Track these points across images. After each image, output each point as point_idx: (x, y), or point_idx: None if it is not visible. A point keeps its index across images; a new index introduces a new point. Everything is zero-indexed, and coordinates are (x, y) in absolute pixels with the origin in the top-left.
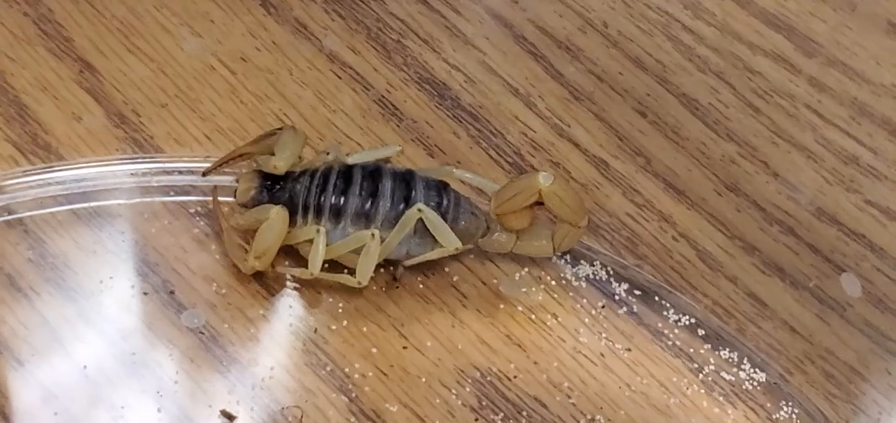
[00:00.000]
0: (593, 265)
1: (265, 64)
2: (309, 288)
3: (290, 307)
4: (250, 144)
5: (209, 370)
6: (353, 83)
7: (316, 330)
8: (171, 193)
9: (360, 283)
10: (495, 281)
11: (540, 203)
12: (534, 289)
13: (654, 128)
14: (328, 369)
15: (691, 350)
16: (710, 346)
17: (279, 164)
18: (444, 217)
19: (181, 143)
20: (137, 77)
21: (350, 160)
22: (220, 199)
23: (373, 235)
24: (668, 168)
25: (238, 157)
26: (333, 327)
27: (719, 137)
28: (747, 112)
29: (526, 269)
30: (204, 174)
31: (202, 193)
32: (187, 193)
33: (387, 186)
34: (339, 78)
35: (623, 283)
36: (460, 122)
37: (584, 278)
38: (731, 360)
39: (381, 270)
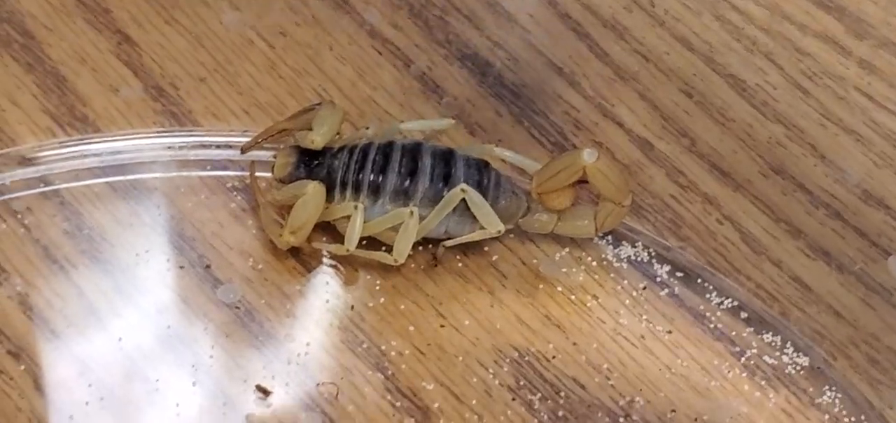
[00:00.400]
0: (635, 247)
1: (305, 39)
2: (346, 265)
3: (326, 284)
4: (288, 119)
5: (244, 345)
6: (394, 60)
7: (352, 307)
8: (209, 168)
9: (396, 260)
10: (535, 261)
11: (583, 182)
12: (574, 269)
13: (700, 109)
14: (364, 346)
15: (733, 333)
16: (752, 329)
17: (317, 139)
18: (484, 197)
19: (219, 117)
20: (176, 50)
21: (403, 127)
22: (257, 174)
23: (411, 212)
24: (714, 150)
25: (276, 132)
26: (370, 305)
27: (766, 119)
28: (795, 94)
29: (567, 249)
30: (242, 150)
31: (239, 167)
32: (225, 168)
33: (426, 163)
34: (380, 54)
35: (665, 264)
36: (502, 100)
37: (625, 260)
38: (773, 344)
39: (420, 248)
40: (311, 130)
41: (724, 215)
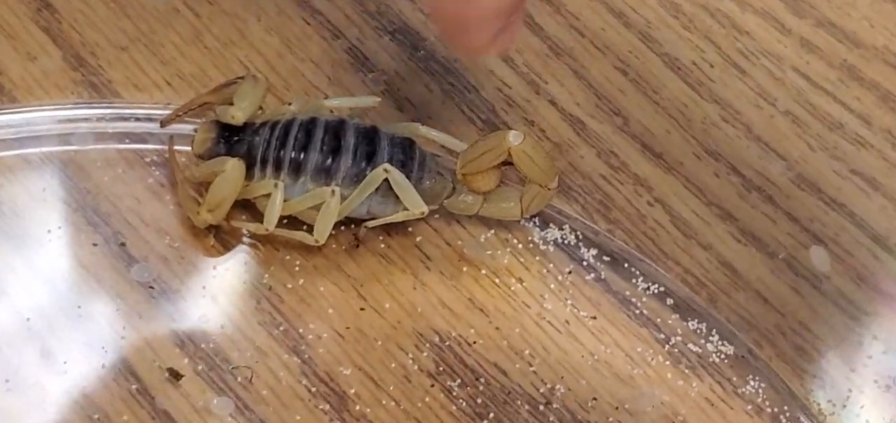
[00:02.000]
0: (562, 229)
1: (232, 8)
2: (265, 244)
3: (244, 264)
4: (210, 92)
5: (158, 326)
6: (323, 31)
7: (270, 288)
8: (127, 141)
9: (317, 241)
10: (460, 243)
11: (509, 163)
12: (499, 252)
13: (635, 87)
14: (281, 328)
15: (659, 320)
16: (678, 316)
17: (237, 114)
18: (408, 177)
19: (140, 88)
20: (97, 17)
21: (328, 103)
22: (176, 149)
23: (333, 191)
24: (647, 129)
25: (198, 106)
26: (289, 286)
27: (701, 98)
28: (732, 73)
29: (492, 231)
30: (162, 124)
31: (159, 141)
32: (144, 141)
33: (350, 142)
34: (309, 25)
35: (592, 248)
36: (433, 75)
37: (552, 243)
38: (699, 331)
39: (342, 228)
40: (232, 104)
41: (655, 197)
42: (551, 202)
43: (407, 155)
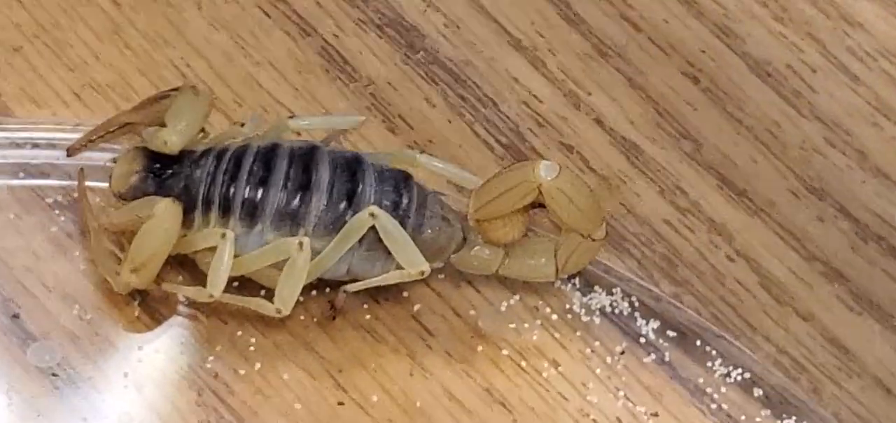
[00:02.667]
0: (612, 294)
1: None
2: (209, 316)
3: (180, 342)
4: (134, 110)
5: None
6: (287, 23)
7: (216, 375)
8: (22, 175)
9: (279, 311)
10: (473, 313)
11: (539, 205)
12: (527, 325)
13: (709, 99)
14: None
15: (743, 418)
16: (769, 412)
17: (171, 139)
18: (403, 224)
19: (39, 103)
20: None
21: (293, 124)
22: (88, 184)
23: (300, 244)
24: (726, 157)
25: (117, 128)
26: (242, 372)
27: (800, 115)
28: (841, 80)
29: (517, 297)
30: (69, 152)
31: (66, 175)
32: (45, 176)
33: (323, 176)
34: (268, 16)
35: (653, 320)
36: (436, 83)
37: (598, 311)
38: None
39: (313, 293)
40: (164, 125)
41: (737, 249)
42: (597, 258)
43: (400, 194)
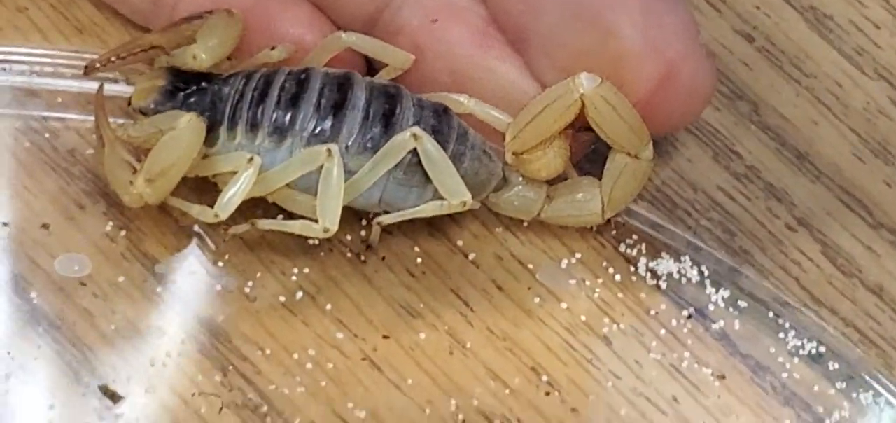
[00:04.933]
0: (681, 261)
1: None
2: (230, 246)
3: (191, 273)
4: (162, 31)
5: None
6: None
7: (229, 342)
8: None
9: (326, 229)
10: (531, 267)
11: (582, 127)
12: (587, 284)
13: (765, 58)
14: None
15: (816, 390)
16: (844, 385)
17: (201, 55)
18: (443, 150)
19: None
20: None
21: (345, 37)
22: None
23: (329, 151)
24: (785, 119)
25: (142, 50)
26: (250, 314)
27: (864, 74)
28: None
29: (577, 254)
30: (86, 70)
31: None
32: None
33: (359, 96)
34: None
35: (724, 288)
36: None
37: (664, 277)
38: (871, 407)
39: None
40: (194, 43)
41: (798, 217)
42: (662, 224)
43: (441, 122)
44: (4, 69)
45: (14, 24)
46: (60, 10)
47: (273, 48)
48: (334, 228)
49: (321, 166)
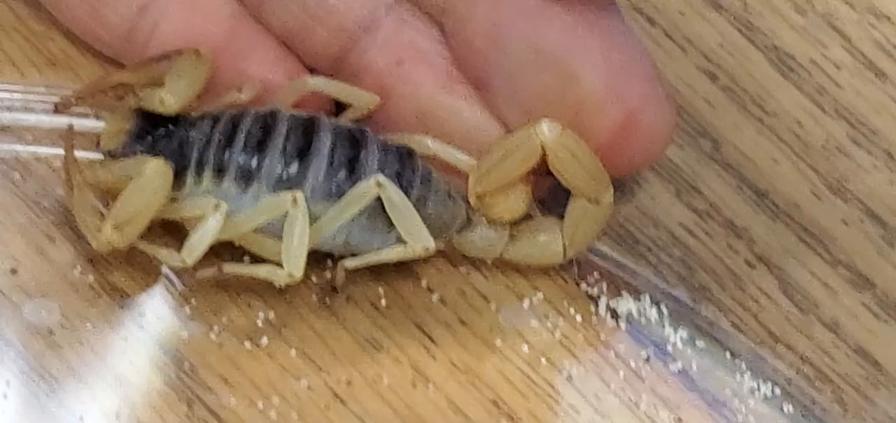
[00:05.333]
0: (640, 300)
1: None
2: (199, 292)
3: (157, 318)
4: (131, 70)
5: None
6: None
7: (186, 364)
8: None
9: (291, 275)
10: (493, 305)
11: (543, 172)
12: (549, 324)
13: (728, 96)
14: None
15: None
16: None
17: (169, 98)
18: (406, 195)
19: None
20: None
21: (310, 82)
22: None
23: (295, 199)
24: (746, 157)
25: (110, 86)
26: (212, 356)
27: (824, 113)
28: (867, 76)
29: (540, 293)
30: (57, 108)
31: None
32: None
33: (324, 142)
34: None
35: (683, 328)
36: None
37: (624, 316)
38: None
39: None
40: (162, 86)
41: (758, 254)
42: (623, 261)
43: (404, 165)
44: None
45: None
46: (33, 43)
47: (240, 89)
48: (299, 274)
49: (286, 212)
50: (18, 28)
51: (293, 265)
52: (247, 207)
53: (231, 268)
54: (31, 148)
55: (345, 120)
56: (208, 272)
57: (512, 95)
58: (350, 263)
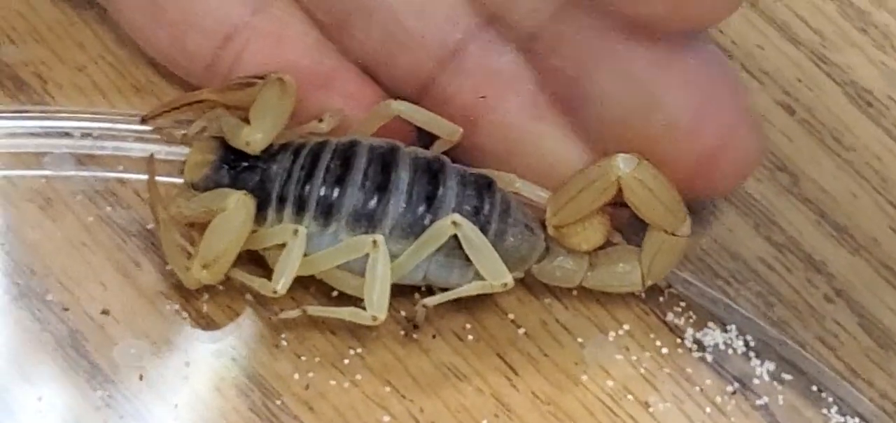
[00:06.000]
0: (727, 331)
1: None
2: (299, 326)
3: (236, 354)
4: (219, 91)
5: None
6: None
7: (280, 401)
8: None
9: (375, 317)
10: (580, 341)
11: (619, 204)
12: (633, 357)
13: (805, 130)
14: None
15: None
16: None
17: (255, 138)
18: (484, 230)
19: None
20: (45, 22)
21: (395, 106)
22: (156, 175)
23: (375, 242)
24: (824, 192)
25: (198, 101)
26: (302, 393)
27: None
28: None
29: (626, 325)
30: (144, 120)
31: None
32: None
33: (403, 176)
34: None
35: (769, 360)
36: None
37: (711, 349)
38: None
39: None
40: (247, 121)
41: (837, 288)
42: (711, 292)
43: (482, 199)
44: (68, 134)
45: (75, 82)
46: (119, 70)
47: (321, 119)
48: (383, 316)
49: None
50: (105, 56)
51: (377, 308)
52: (327, 244)
53: (315, 310)
54: (118, 174)
55: (425, 149)
56: (292, 314)
57: (599, 122)
58: (430, 300)
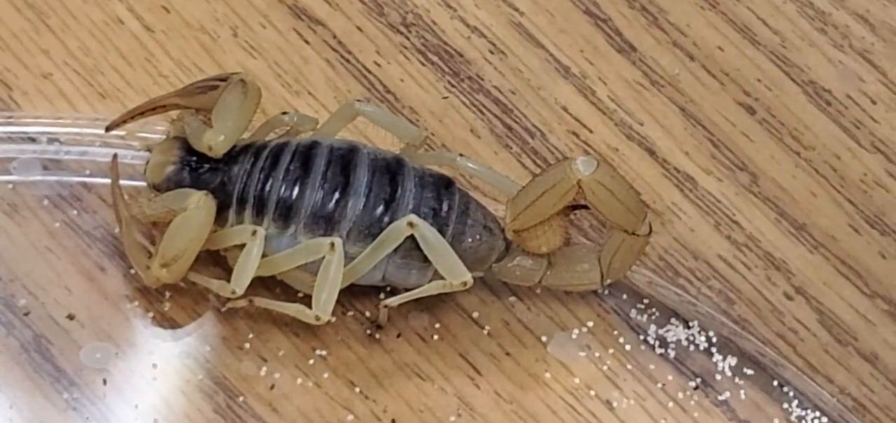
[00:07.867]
0: (689, 328)
1: (197, 17)
2: (244, 320)
3: (207, 349)
4: (180, 93)
5: None
6: (326, 50)
7: (241, 398)
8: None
9: (318, 317)
10: (542, 340)
11: (579, 206)
12: (596, 355)
13: (766, 129)
14: None
15: None
16: None
17: (217, 141)
18: (442, 231)
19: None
20: (10, 30)
21: (359, 107)
22: (119, 175)
23: (332, 244)
24: (784, 190)
25: (161, 107)
26: (264, 391)
27: (860, 147)
28: None
29: (589, 323)
30: (108, 127)
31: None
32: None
33: (361, 177)
34: (307, 43)
35: (731, 355)
36: (481, 112)
37: (673, 345)
38: None
39: (350, 313)
40: (208, 122)
41: (796, 285)
42: (670, 288)
43: (441, 200)
44: (34, 139)
45: (40, 89)
46: (84, 76)
47: (284, 113)
48: (326, 317)
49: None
50: (69, 62)
51: (322, 309)
52: (286, 245)
53: (262, 302)
54: (84, 178)
55: (383, 151)
56: (240, 303)
57: None
58: (392, 301)
